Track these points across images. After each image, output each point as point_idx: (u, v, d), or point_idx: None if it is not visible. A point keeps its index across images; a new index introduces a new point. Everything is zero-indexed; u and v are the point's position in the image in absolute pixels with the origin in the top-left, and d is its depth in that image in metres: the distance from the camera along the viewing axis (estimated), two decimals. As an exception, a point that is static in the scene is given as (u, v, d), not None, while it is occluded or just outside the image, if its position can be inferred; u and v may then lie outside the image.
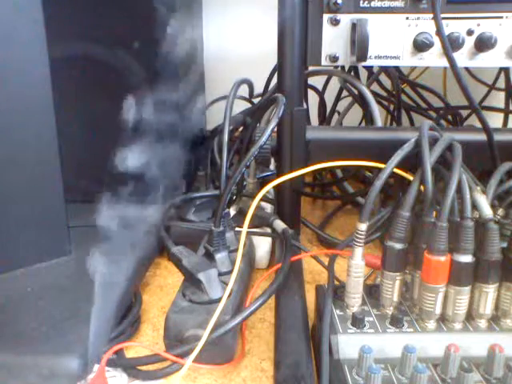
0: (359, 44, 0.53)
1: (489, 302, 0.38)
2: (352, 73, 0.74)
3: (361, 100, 0.72)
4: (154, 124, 0.58)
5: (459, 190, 0.38)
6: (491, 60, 0.55)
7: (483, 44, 0.53)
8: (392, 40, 0.55)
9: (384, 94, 0.83)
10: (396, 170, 0.42)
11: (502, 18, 0.53)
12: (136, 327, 0.48)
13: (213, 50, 0.90)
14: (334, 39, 0.55)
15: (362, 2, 0.54)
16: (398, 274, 0.40)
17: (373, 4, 0.54)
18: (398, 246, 0.39)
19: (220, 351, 0.42)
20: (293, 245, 0.54)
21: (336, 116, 0.83)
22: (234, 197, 0.63)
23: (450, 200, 0.37)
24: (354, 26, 0.54)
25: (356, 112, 0.79)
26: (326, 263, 0.49)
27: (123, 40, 0.61)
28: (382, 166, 0.42)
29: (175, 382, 0.41)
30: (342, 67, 0.70)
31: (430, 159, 0.40)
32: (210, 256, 0.49)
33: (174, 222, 0.62)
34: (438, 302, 0.38)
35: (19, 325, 0.43)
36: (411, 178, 0.42)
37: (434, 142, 0.42)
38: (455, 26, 0.53)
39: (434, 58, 0.55)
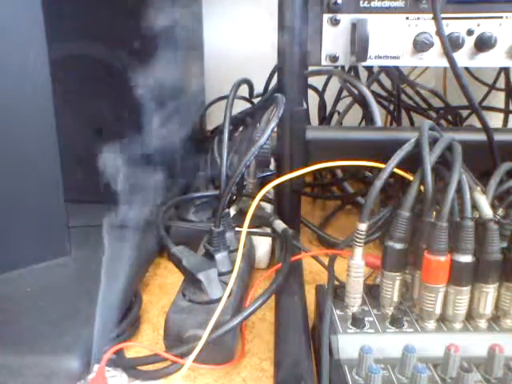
0: (359, 44, 0.53)
1: (489, 302, 0.38)
2: (352, 73, 0.74)
3: (361, 100, 0.72)
4: (153, 124, 0.58)
5: (459, 189, 0.38)
6: (491, 60, 0.55)
7: (483, 44, 0.53)
8: (392, 40, 0.55)
9: (384, 93, 0.83)
10: (396, 170, 0.42)
11: (502, 18, 0.53)
12: (136, 327, 0.48)
13: (213, 50, 0.90)
14: (334, 39, 0.55)
15: (361, 1, 0.54)
16: (397, 274, 0.40)
17: (373, 4, 0.54)
18: (398, 245, 0.39)
19: (220, 351, 0.42)
20: (293, 245, 0.54)
21: (336, 116, 0.83)
22: (234, 197, 0.63)
23: (450, 200, 0.37)
24: (353, 25, 0.54)
25: (356, 112, 0.79)
26: (326, 263, 0.49)
27: (123, 40, 0.61)
28: (382, 166, 0.42)
29: (175, 382, 0.41)
30: (342, 67, 0.70)
31: (430, 159, 0.40)
32: (210, 256, 0.49)
33: (174, 222, 0.62)
34: (438, 302, 0.38)
35: (19, 325, 0.43)
36: (411, 178, 0.42)
37: (433, 142, 0.42)
38: (455, 25, 0.53)
39: (434, 58, 0.55)
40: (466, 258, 0.37)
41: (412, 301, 0.41)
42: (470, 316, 0.39)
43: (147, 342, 0.47)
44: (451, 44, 0.52)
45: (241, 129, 0.78)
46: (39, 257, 0.52)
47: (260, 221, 0.60)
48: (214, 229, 0.49)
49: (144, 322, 0.50)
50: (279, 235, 0.57)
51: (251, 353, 0.45)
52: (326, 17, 0.55)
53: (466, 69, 0.80)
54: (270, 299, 0.44)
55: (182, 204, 0.66)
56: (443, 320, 0.39)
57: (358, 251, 0.40)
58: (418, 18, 0.54)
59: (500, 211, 0.44)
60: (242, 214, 0.61)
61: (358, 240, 0.40)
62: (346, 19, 0.54)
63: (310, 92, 0.81)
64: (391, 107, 0.85)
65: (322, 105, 0.85)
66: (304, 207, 0.68)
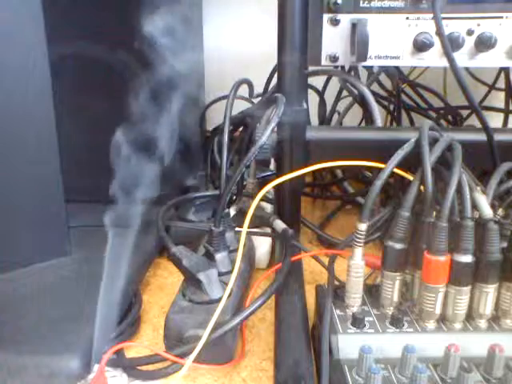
0: (359, 44, 0.53)
1: (489, 302, 0.38)
2: (352, 73, 0.74)
3: (361, 100, 0.72)
4: (153, 123, 0.58)
5: (459, 189, 0.38)
6: (491, 60, 0.55)
7: (483, 44, 0.53)
8: (392, 40, 0.55)
9: (384, 93, 0.83)
10: (396, 170, 0.42)
11: (502, 18, 0.53)
12: (136, 327, 0.48)
13: (213, 50, 0.90)
14: (333, 39, 0.55)
15: (362, 2, 0.54)
16: (397, 274, 0.40)
17: (373, 4, 0.54)
18: (398, 245, 0.39)
19: (220, 351, 0.42)
20: (293, 245, 0.54)
21: (336, 116, 0.83)
22: (234, 197, 0.63)
23: (450, 200, 0.37)
24: (353, 25, 0.54)
25: (356, 112, 0.79)
26: (326, 263, 0.49)
27: (122, 40, 0.61)
28: (382, 166, 0.42)
29: (175, 382, 0.41)
30: (342, 67, 0.70)
31: (430, 159, 0.40)
32: (210, 256, 0.49)
33: (174, 222, 0.62)
34: (438, 302, 0.38)
35: (19, 325, 0.43)
36: (411, 177, 0.42)
37: (433, 142, 0.42)
38: (455, 25, 0.53)
39: (434, 58, 0.55)
40: (466, 258, 0.37)
41: (412, 301, 0.41)
42: (470, 316, 0.39)
43: (147, 342, 0.47)
44: (451, 44, 0.52)
45: (241, 129, 0.78)
46: (39, 257, 0.52)
47: (260, 221, 0.60)
48: (214, 229, 0.49)
49: (144, 322, 0.50)
50: (279, 235, 0.57)
51: (251, 353, 0.45)
52: (326, 17, 0.55)
53: (466, 69, 0.80)
54: (270, 299, 0.44)
55: (182, 204, 0.66)
56: (443, 320, 0.39)
57: (358, 251, 0.40)
58: (418, 18, 0.54)
59: (500, 211, 0.44)
60: (242, 213, 0.61)
61: (357, 240, 0.40)
62: (345, 19, 0.54)
63: (310, 92, 0.81)
64: (391, 107, 0.84)
65: (321, 105, 0.84)
66: (304, 207, 0.68)
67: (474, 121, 0.70)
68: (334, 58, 0.56)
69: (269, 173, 0.72)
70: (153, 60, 0.59)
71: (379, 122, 0.65)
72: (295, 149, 0.58)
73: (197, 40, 0.84)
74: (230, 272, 0.46)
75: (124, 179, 0.52)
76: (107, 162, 0.52)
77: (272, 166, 0.70)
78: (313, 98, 0.82)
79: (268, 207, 0.66)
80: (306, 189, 0.81)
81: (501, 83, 0.81)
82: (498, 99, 0.84)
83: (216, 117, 0.85)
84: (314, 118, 0.86)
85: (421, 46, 0.54)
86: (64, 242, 0.54)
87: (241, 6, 0.93)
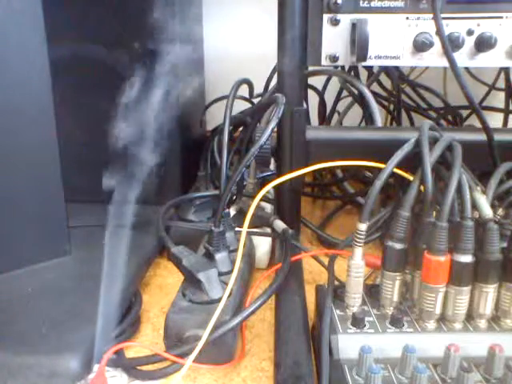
0: (359, 44, 0.53)
1: (489, 302, 0.38)
2: (352, 73, 0.74)
3: (361, 100, 0.72)
4: (154, 124, 0.58)
5: (459, 190, 0.38)
6: (491, 60, 0.55)
7: (483, 44, 0.53)
8: (392, 40, 0.55)
9: (384, 94, 0.83)
10: (396, 170, 0.42)
11: (502, 18, 0.53)
12: (136, 327, 0.48)
13: (213, 50, 0.90)
14: (333, 39, 0.55)
15: (361, 2, 0.54)
16: (397, 274, 0.40)
17: (373, 4, 0.54)
18: (398, 245, 0.39)
19: (220, 351, 0.42)
20: (293, 245, 0.54)
21: (336, 116, 0.83)
22: (234, 197, 0.63)
23: (450, 200, 0.37)
24: (353, 26, 0.54)
25: (356, 112, 0.79)
26: (326, 263, 0.49)
27: (123, 40, 0.61)
28: (382, 166, 0.42)
29: (175, 382, 0.41)
30: (342, 67, 0.70)
31: (430, 159, 0.40)
32: (210, 256, 0.49)
33: (174, 222, 0.62)
34: (438, 302, 0.38)
35: (19, 325, 0.43)
36: (411, 178, 0.42)
37: (434, 141, 0.42)
38: (455, 25, 0.53)
39: (434, 58, 0.55)
40: (466, 258, 0.37)
41: (412, 301, 0.41)
42: (470, 316, 0.39)
43: (147, 342, 0.47)
44: (451, 44, 0.52)
45: (241, 129, 0.78)
46: (39, 257, 0.52)
47: (260, 221, 0.60)
48: (214, 229, 0.49)
49: (144, 322, 0.50)
50: (279, 235, 0.57)
51: (251, 353, 0.45)
52: (326, 17, 0.55)
53: (466, 69, 0.80)
54: (270, 299, 0.44)
55: (182, 204, 0.66)
56: (443, 320, 0.39)
57: (358, 251, 0.40)
58: (418, 18, 0.54)
59: (500, 211, 0.44)
60: (241, 213, 0.61)
61: (357, 240, 0.40)
62: (346, 19, 0.54)
63: (310, 92, 0.81)
64: (391, 107, 0.85)
65: (321, 105, 0.85)
66: (304, 207, 0.68)
67: (474, 121, 0.70)
68: (334, 58, 0.56)
69: (269, 173, 0.72)
70: (153, 60, 0.59)
71: (379, 122, 0.65)
72: (295, 149, 0.58)
73: (197, 40, 0.84)
74: (230, 272, 0.46)
75: (124, 179, 0.52)
76: (107, 161, 0.52)
77: (272, 165, 0.70)
78: (313, 98, 0.82)
79: (268, 207, 0.66)
80: (306, 189, 0.81)
81: (501, 83, 0.81)
82: (498, 99, 0.84)
83: (216, 117, 0.85)
84: (314, 118, 0.86)
85: (421, 46, 0.54)
86: (64, 242, 0.54)
87: (241, 6, 0.93)
